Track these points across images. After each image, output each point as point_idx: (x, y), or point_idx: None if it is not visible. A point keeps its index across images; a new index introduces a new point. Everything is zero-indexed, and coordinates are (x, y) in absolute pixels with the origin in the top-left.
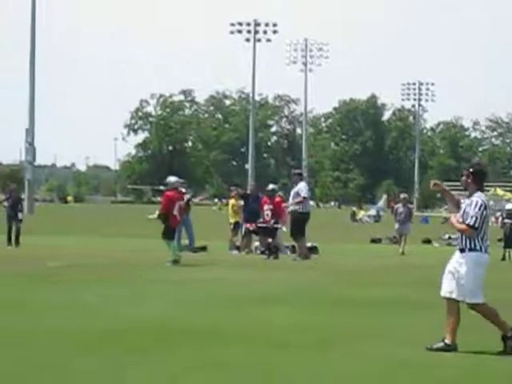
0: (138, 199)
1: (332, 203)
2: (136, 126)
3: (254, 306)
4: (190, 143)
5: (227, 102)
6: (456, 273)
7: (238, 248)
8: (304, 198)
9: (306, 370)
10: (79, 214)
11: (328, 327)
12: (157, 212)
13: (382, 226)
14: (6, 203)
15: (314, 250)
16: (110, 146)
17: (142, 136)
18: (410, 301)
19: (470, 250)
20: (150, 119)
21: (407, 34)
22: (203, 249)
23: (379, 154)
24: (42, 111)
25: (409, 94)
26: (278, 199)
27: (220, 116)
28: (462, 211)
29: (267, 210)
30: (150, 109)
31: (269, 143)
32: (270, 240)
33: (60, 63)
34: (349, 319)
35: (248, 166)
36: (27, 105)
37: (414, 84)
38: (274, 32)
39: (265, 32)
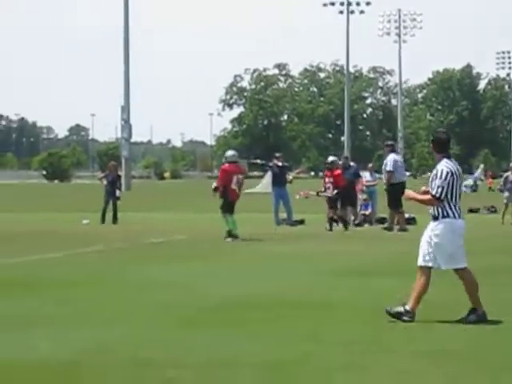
0: None
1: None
2: (231, 101)
3: (357, 277)
4: (285, 117)
5: (321, 75)
6: (431, 241)
7: (335, 221)
8: (388, 171)
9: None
10: (176, 189)
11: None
12: (214, 184)
13: (479, 195)
14: (104, 181)
15: (411, 220)
16: (206, 121)
17: (237, 111)
18: None
19: (443, 217)
20: (245, 94)
21: (501, 1)
22: (301, 222)
23: (475, 124)
24: (138, 88)
25: (503, 63)
26: (337, 171)
27: (315, 89)
28: (430, 181)
29: (328, 182)
30: (244, 83)
31: (364, 115)
32: (333, 211)
33: (154, 39)
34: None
35: (344, 139)
36: (122, 82)
37: (509, 52)
38: (367, 4)
39: (358, 4)
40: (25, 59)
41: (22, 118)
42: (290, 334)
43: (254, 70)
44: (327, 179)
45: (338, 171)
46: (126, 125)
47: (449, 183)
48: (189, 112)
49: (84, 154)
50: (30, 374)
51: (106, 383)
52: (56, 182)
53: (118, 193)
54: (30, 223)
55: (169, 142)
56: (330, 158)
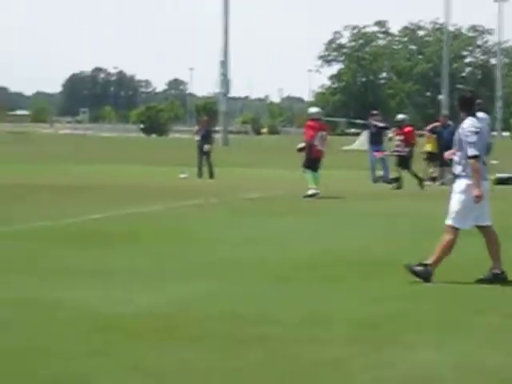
0: (332, 131)
1: None
2: (330, 58)
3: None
4: (383, 74)
5: (421, 33)
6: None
7: (433, 179)
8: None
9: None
10: (273, 145)
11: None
12: (302, 144)
13: None
14: (197, 136)
15: (509, 180)
16: (304, 77)
17: (335, 67)
18: None
19: (462, 176)
20: (344, 51)
21: None
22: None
23: None
24: (237, 43)
25: None
26: (408, 129)
27: (414, 47)
28: (455, 141)
29: (398, 140)
30: (343, 40)
31: (463, 74)
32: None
33: None
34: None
35: (441, 97)
36: (222, 36)
37: None
38: None
39: None
40: (124, 13)
41: (121, 72)
42: (385, 291)
43: (354, 27)
44: (397, 137)
45: (409, 128)
46: (225, 79)
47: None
48: (287, 68)
49: (182, 109)
50: (129, 327)
51: (202, 337)
52: (153, 135)
53: (205, 148)
54: (129, 176)
55: (267, 97)
56: (400, 116)
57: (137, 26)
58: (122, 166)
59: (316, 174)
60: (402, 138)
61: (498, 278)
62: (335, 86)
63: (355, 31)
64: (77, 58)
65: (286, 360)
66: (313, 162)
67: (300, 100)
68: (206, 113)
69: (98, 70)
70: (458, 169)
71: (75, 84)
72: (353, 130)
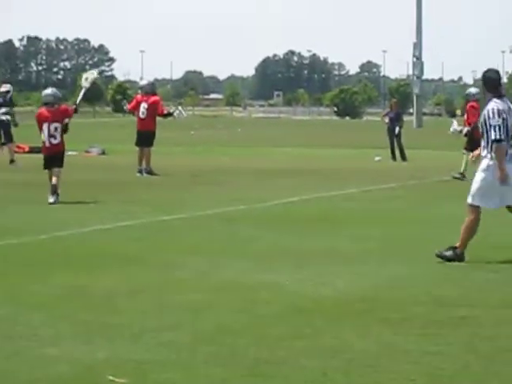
0: None
1: None
2: None
3: None
4: None
5: None
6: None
7: None
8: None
9: None
10: None
11: None
12: (460, 128)
13: None
14: (386, 118)
15: None
16: (498, 58)
17: None
18: None
19: (486, 157)
20: None
21: None
22: None
23: None
24: (430, 24)
25: None
26: (471, 104)
27: None
28: (481, 123)
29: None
30: None
31: None
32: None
33: None
34: None
35: None
36: (415, 18)
37: None
38: None
39: None
40: None
41: (314, 54)
42: None
43: None
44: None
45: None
46: (418, 62)
47: (502, 122)
48: (481, 49)
49: (375, 91)
50: (329, 310)
51: (402, 319)
52: (347, 118)
53: (397, 130)
54: (324, 160)
55: (460, 79)
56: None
57: (328, 8)
58: (316, 150)
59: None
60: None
61: None
62: None
63: None
64: (270, 41)
65: (488, 342)
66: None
67: None
68: (399, 95)
69: (291, 52)
70: (483, 151)
71: (268, 67)
72: None
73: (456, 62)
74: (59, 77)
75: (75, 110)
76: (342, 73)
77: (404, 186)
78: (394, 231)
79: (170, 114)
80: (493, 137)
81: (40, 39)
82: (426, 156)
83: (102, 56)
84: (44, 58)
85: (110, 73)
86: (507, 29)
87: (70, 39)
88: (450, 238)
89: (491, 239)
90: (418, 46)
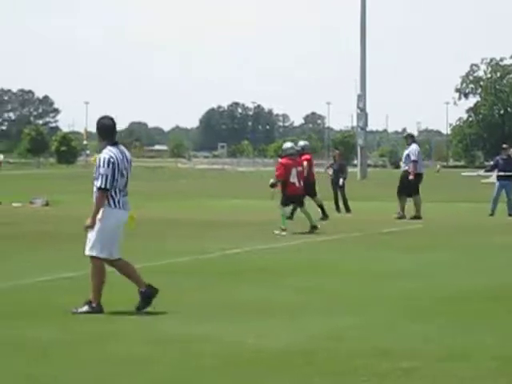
0: (471, 163)
1: None
2: (467, 90)
3: None
4: None
5: None
6: None
7: None
8: (413, 161)
9: None
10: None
11: None
12: (271, 180)
13: None
14: (330, 170)
15: None
16: (442, 110)
17: (472, 100)
18: None
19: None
20: (481, 83)
21: None
22: None
23: None
24: (374, 76)
25: None
26: None
27: None
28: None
29: None
30: (480, 73)
31: None
32: None
33: (391, 28)
34: None
35: None
36: (359, 70)
37: None
38: None
39: None
40: (260, 47)
41: (259, 106)
42: None
43: (491, 60)
44: None
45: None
46: (362, 113)
47: (112, 172)
48: (425, 101)
49: (319, 142)
50: (271, 362)
51: (341, 372)
52: None
53: (341, 182)
54: (264, 211)
55: (404, 130)
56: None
57: (274, 60)
58: (261, 201)
59: (305, 208)
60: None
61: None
62: (472, 118)
63: (492, 63)
64: (214, 92)
65: None
66: (289, 200)
67: (438, 133)
68: (343, 146)
69: (235, 104)
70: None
71: (213, 118)
72: (491, 163)
73: (400, 113)
74: (3, 128)
75: None
76: (287, 124)
77: (347, 238)
78: (333, 282)
79: None
80: (98, 185)
81: None
82: (370, 207)
83: (46, 107)
84: None
85: (54, 124)
86: (451, 80)
87: (14, 90)
88: (391, 290)
89: (433, 290)
90: (362, 97)
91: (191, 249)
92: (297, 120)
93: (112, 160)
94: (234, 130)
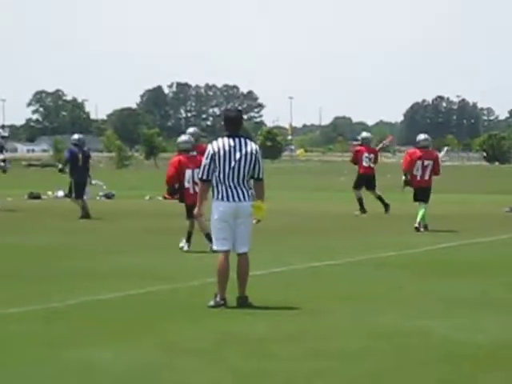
0: None
1: None
2: None
3: None
4: None
5: None
6: None
7: None
8: None
9: None
10: None
11: None
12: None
13: None
14: None
15: None
16: None
17: None
18: None
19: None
20: None
21: None
22: None
23: None
24: None
25: None
26: None
27: None
28: None
29: None
30: None
31: None
32: None
33: None
34: None
35: None
36: None
37: None
38: None
39: None
40: (451, 39)
41: (463, 100)
42: None
43: None
44: None
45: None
46: None
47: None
48: None
49: None
50: (480, 357)
51: None
52: (496, 163)
53: None
54: (469, 205)
55: None
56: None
57: (478, 54)
58: (465, 195)
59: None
60: None
61: None
62: None
63: None
64: (419, 87)
65: None
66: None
67: None
68: None
69: (439, 98)
70: None
71: (417, 113)
72: None
73: None
74: (208, 123)
75: None
76: (491, 118)
77: None
78: None
79: None
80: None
81: (189, 85)
82: None
83: (251, 102)
84: (193, 104)
85: (258, 119)
86: None
87: (218, 85)
88: None
89: None
90: None
91: (395, 242)
92: (502, 114)
93: (211, 152)
94: (439, 124)
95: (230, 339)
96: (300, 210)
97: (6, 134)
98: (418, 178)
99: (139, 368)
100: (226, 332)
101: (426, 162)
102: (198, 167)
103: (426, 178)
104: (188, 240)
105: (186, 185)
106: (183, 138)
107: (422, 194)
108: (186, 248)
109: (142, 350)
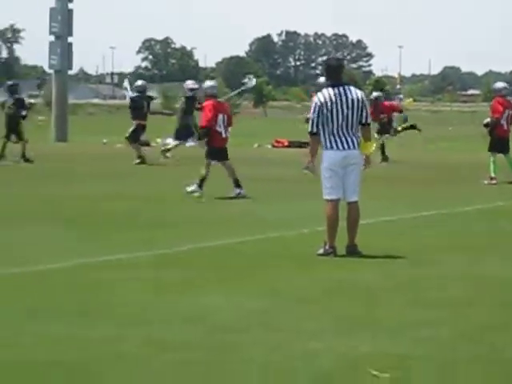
0: None
1: None
2: None
3: None
4: None
5: None
6: None
7: None
8: None
9: None
10: None
11: None
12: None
13: None
14: None
15: None
16: None
17: None
18: None
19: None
20: None
21: None
22: None
23: None
24: None
25: None
26: None
27: None
28: None
29: None
30: None
31: None
32: None
33: None
34: None
35: None
36: None
37: None
38: None
39: None
40: None
41: None
42: None
43: None
44: None
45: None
46: None
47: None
48: None
49: None
50: None
51: None
52: None
53: None
54: None
55: None
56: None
57: None
58: None
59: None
60: None
61: None
62: None
63: None
64: None
65: None
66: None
67: None
68: None
69: None
70: None
71: None
72: None
73: None
74: (317, 72)
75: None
76: None
77: None
78: None
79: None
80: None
81: (298, 34)
82: None
83: (360, 51)
84: (302, 53)
85: (367, 68)
86: None
87: (328, 34)
88: None
89: None
90: None
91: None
92: None
93: (318, 104)
94: None
95: (338, 287)
96: (411, 159)
97: (154, 96)
98: (505, 127)
99: (253, 314)
100: (335, 280)
101: (508, 112)
102: (227, 113)
103: (506, 127)
104: (200, 186)
105: (218, 129)
106: (209, 83)
107: (504, 144)
108: (197, 194)
109: (253, 297)
